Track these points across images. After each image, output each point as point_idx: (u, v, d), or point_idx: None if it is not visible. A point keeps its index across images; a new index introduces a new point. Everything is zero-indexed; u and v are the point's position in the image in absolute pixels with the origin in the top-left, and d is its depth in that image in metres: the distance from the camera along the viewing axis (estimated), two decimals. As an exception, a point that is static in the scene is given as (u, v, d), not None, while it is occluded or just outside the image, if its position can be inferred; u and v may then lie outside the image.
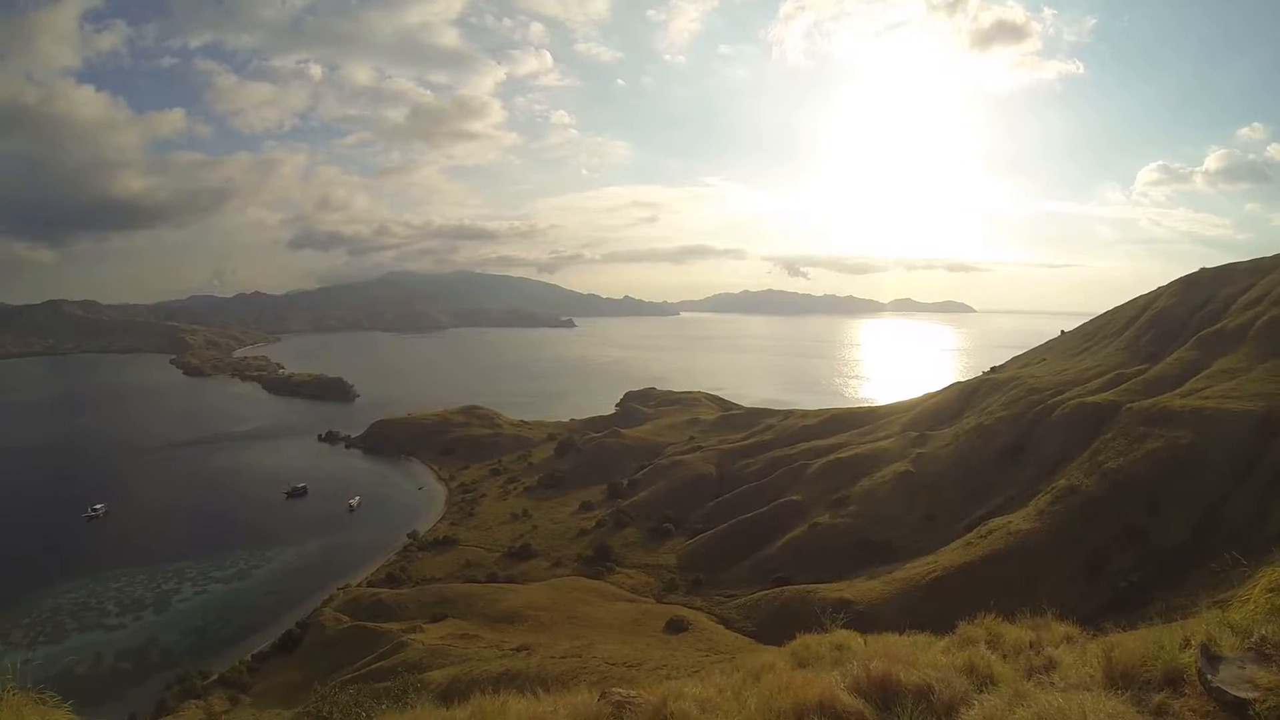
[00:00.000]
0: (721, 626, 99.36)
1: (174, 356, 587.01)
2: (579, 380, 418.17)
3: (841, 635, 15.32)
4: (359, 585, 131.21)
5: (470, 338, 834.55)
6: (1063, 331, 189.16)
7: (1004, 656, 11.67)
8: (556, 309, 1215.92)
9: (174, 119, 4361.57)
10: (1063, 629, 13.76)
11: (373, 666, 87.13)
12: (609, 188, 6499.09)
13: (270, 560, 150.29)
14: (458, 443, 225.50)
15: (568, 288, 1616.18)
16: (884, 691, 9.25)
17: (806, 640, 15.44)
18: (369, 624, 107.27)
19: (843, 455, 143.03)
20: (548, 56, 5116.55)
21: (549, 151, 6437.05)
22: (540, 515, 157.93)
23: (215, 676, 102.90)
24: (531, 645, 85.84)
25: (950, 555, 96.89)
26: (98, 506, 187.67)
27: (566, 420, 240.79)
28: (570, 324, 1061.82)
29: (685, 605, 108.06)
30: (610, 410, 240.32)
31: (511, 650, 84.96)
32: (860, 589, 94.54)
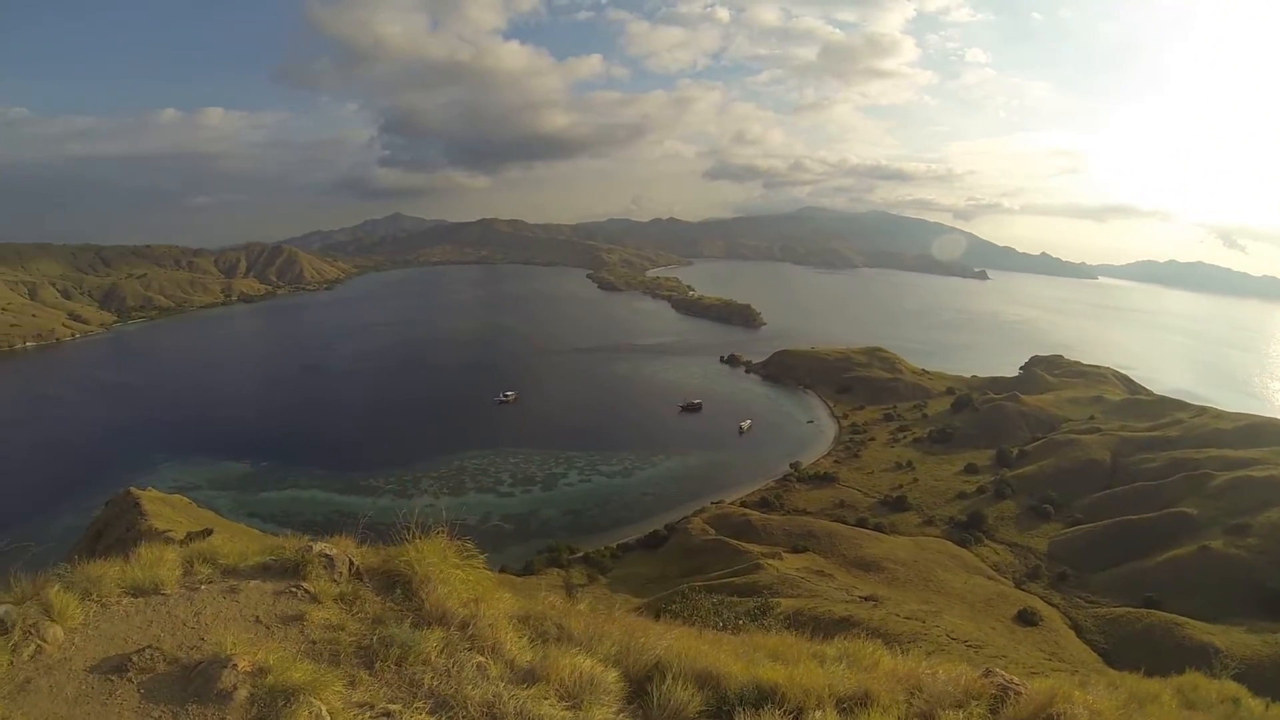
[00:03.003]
0: (1072, 633, 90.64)
1: (590, 271, 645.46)
2: (984, 335, 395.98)
3: (1232, 688, 14.88)
4: (731, 503, 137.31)
5: (881, 279, 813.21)
6: None
7: None
8: (970, 258, 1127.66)
9: (592, 64, 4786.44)
10: None
11: (726, 580, 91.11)
12: (1029, 132, 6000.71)
13: (654, 465, 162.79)
14: (856, 382, 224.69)
15: (983, 237, 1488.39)
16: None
17: (1195, 680, 15.29)
18: (732, 540, 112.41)
19: (1254, 474, 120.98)
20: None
21: (965, 92, 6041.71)
22: (923, 469, 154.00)
23: (580, 554, 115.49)
24: (880, 598, 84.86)
25: (1360, 635, 79.42)
26: (509, 393, 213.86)
27: (967, 376, 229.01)
28: (983, 276, 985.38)
29: (1042, 599, 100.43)
30: (1012, 372, 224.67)
31: (859, 597, 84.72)
32: (1235, 639, 79.81)
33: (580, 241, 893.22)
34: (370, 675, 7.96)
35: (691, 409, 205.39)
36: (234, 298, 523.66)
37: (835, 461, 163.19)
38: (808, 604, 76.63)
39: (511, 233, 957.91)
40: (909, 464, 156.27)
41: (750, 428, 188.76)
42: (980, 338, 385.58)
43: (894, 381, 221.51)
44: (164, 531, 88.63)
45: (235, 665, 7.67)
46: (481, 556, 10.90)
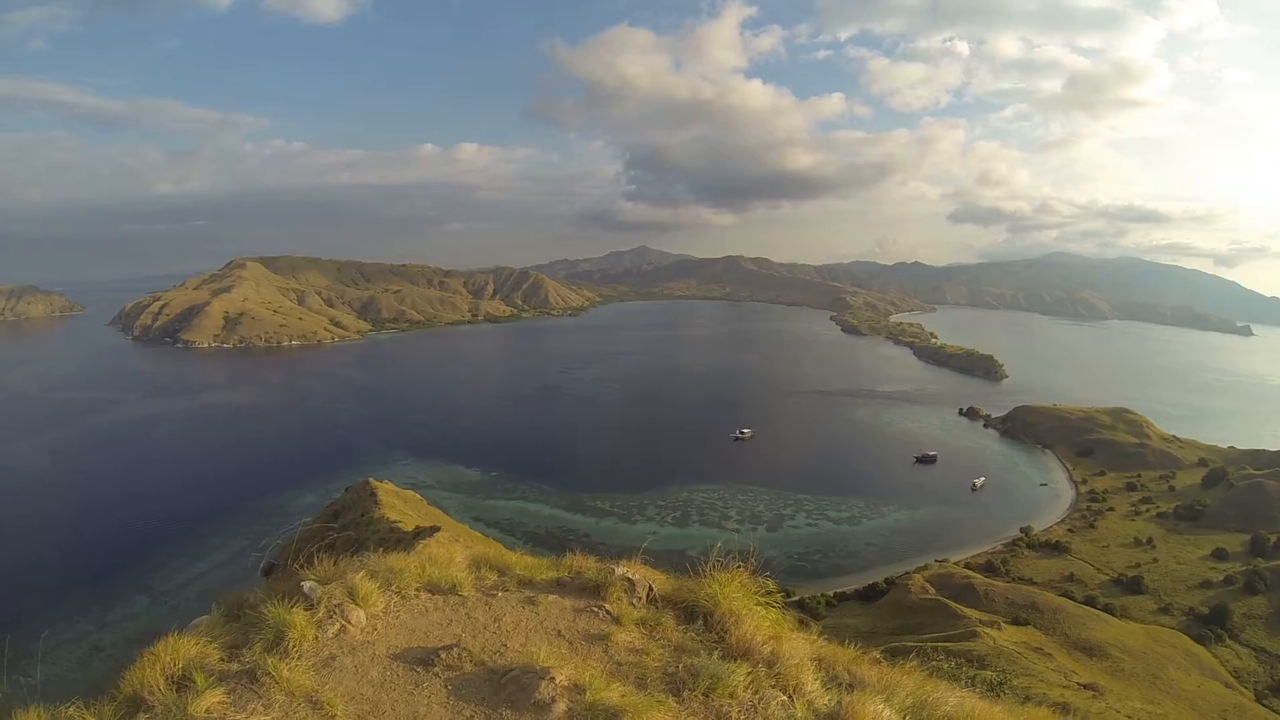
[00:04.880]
0: (1313, 765, 78.45)
1: (834, 314, 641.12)
2: (1247, 402, 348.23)
3: None
4: (955, 563, 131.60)
5: (1132, 332, 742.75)
6: None
7: None
8: (1233, 311, 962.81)
9: (834, 103, 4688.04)
10: None
11: (939, 644, 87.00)
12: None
13: (883, 515, 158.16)
14: (1099, 445, 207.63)
15: (1248, 287, 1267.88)
16: None
17: None
18: (951, 603, 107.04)
19: None
20: (1210, 1, 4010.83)
21: (1226, 119, 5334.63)
22: (1165, 549, 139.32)
23: (795, 598, 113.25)
24: (1100, 689, 77.53)
25: None
26: (745, 430, 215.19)
27: (1224, 446, 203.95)
28: (1247, 331, 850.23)
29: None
30: (1279, 446, 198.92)
31: (1078, 685, 78.05)
32: None
33: (825, 283, 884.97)
34: (678, 703, 7.80)
35: (926, 461, 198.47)
36: (480, 317, 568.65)
37: (1069, 530, 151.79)
38: (1023, 683, 72.03)
39: (756, 270, 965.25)
40: (1149, 541, 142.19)
41: (983, 485, 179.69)
42: (1242, 404, 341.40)
43: (1140, 447, 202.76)
44: (394, 522, 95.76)
45: (553, 678, 7.75)
46: (779, 595, 10.71)
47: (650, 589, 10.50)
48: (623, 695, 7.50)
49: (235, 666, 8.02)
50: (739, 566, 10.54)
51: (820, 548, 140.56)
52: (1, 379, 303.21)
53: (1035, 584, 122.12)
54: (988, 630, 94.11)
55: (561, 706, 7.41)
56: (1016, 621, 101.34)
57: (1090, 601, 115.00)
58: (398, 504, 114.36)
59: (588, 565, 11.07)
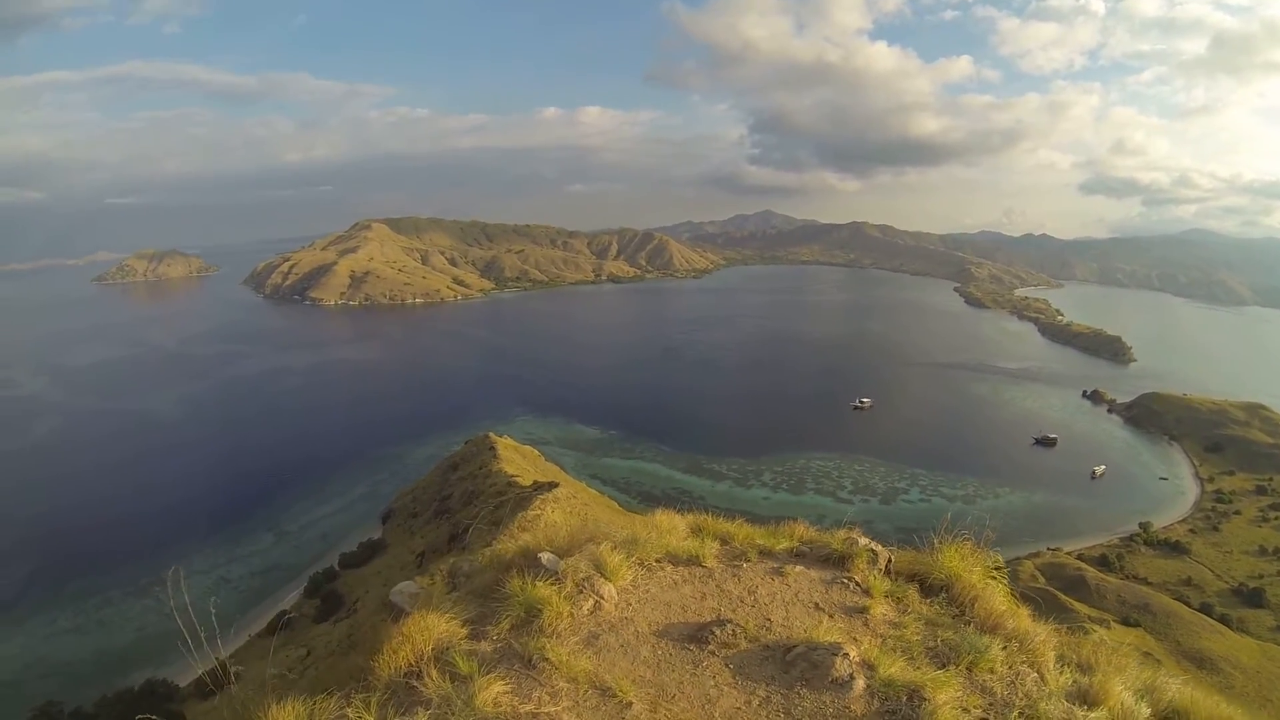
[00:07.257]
0: None
1: (958, 285, 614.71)
2: None
3: None
4: (1068, 553, 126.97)
5: (1273, 321, 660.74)
6: None
7: None
8: None
9: (961, 65, 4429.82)
10: None
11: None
12: None
13: (997, 496, 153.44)
14: (1230, 442, 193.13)
15: None
16: None
17: None
18: (1060, 594, 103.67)
19: None
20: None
21: None
22: None
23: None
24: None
25: None
26: (865, 400, 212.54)
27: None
28: None
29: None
30: None
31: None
32: None
33: (949, 253, 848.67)
34: (950, 678, 7.37)
35: (1045, 443, 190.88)
36: (603, 277, 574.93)
37: (1190, 530, 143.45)
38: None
39: (880, 238, 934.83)
40: (1276, 552, 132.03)
41: (1103, 474, 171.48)
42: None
43: (1275, 448, 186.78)
44: (512, 476, 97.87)
45: (848, 654, 7.35)
46: (1005, 570, 10.21)
47: (889, 560, 10.16)
48: (902, 670, 7.23)
49: (487, 646, 7.50)
50: (965, 539, 10.19)
51: (931, 524, 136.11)
52: (142, 335, 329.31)
53: (1150, 584, 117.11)
54: (1096, 628, 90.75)
55: (860, 683, 7.07)
56: (1126, 622, 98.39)
57: (1206, 609, 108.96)
58: (516, 458, 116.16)
59: (821, 535, 10.71)
